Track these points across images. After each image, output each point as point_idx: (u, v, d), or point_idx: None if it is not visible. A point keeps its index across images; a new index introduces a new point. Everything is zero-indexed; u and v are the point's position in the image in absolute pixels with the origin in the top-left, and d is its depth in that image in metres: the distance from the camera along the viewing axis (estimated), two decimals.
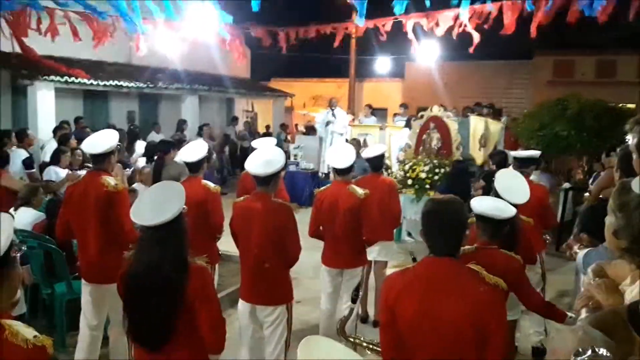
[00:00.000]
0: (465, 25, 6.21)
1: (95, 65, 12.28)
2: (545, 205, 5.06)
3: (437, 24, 5.90)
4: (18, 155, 7.39)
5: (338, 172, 4.72)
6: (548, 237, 5.13)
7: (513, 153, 5.37)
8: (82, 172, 5.89)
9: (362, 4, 5.13)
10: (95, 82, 11.93)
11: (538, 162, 5.47)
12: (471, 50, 6.70)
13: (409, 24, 5.85)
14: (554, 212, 6.44)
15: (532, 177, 5.35)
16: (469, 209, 3.26)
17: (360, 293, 4.85)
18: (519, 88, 21.09)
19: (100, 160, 4.23)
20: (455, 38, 6.71)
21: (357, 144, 8.72)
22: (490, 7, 6.03)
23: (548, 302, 3.39)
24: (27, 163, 7.46)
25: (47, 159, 8.56)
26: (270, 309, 3.84)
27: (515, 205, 3.35)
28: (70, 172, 6.78)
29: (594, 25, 5.54)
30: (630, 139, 2.21)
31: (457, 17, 6.08)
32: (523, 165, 5.21)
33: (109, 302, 4.03)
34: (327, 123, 12.71)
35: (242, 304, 3.94)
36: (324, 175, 11.99)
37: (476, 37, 6.36)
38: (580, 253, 2.58)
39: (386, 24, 6.14)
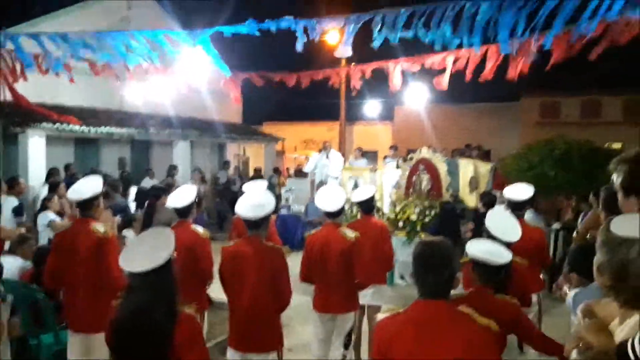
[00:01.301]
0: (451, 69, 6.33)
1: (87, 111, 12.39)
2: (543, 247, 5.11)
3: (422, 67, 6.01)
4: (9, 203, 7.34)
5: (328, 215, 4.72)
6: (545, 278, 5.11)
7: (507, 195, 5.29)
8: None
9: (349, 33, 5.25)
10: (86, 129, 12.00)
11: (531, 202, 5.47)
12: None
13: (396, 69, 5.95)
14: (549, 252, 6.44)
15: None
16: (461, 250, 3.26)
17: (353, 338, 4.78)
18: (507, 129, 21.45)
19: (86, 207, 4.22)
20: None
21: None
22: (476, 51, 6.18)
23: (551, 339, 3.30)
24: (17, 211, 7.41)
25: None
26: (261, 357, 3.77)
27: (509, 244, 3.36)
28: (61, 219, 6.79)
29: (578, 67, 5.65)
30: (614, 178, 2.25)
31: (444, 60, 6.20)
32: (517, 207, 5.13)
33: (97, 352, 3.94)
34: (315, 167, 12.77)
35: (231, 353, 3.87)
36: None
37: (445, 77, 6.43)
38: (570, 293, 2.58)
39: (370, 69, 6.24)
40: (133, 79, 6.58)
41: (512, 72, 5.56)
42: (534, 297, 5.02)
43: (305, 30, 5.16)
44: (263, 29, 5.25)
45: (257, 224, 3.79)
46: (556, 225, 8.68)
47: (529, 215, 6.12)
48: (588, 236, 5.24)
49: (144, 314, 2.50)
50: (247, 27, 5.28)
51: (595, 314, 1.84)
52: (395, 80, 6.25)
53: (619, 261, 1.66)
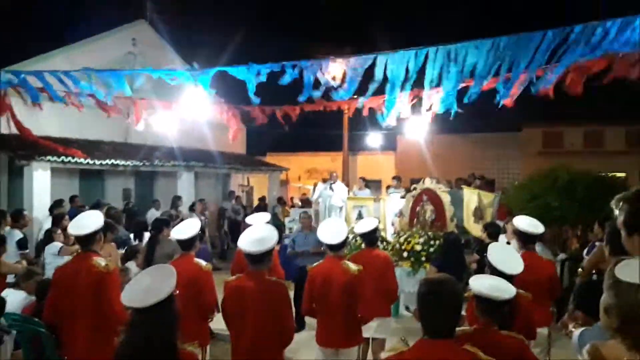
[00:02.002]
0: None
1: (92, 144, 12.50)
2: (555, 280, 5.10)
3: (419, 102, 6.11)
4: (13, 235, 7.36)
5: (330, 247, 4.70)
6: (554, 310, 5.04)
7: (519, 227, 5.18)
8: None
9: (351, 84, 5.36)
10: (91, 162, 12.09)
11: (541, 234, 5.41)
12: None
13: (400, 102, 6.04)
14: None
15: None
16: (466, 283, 3.23)
17: None
18: (510, 159, 21.49)
19: (87, 242, 4.22)
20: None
21: (308, 219, 8.81)
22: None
23: None
24: (21, 244, 7.42)
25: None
26: None
27: (511, 277, 3.34)
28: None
29: (580, 97, 5.70)
30: (617, 216, 2.24)
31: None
32: (529, 240, 5.07)
33: None
34: (320, 196, 12.77)
35: None
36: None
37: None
38: (576, 332, 2.53)
39: (369, 106, 6.33)
40: (139, 116, 6.68)
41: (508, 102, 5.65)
42: (544, 331, 4.95)
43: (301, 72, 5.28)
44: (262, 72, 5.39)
45: (259, 259, 3.77)
46: (562, 256, 8.61)
47: (538, 247, 6.07)
48: (594, 271, 5.18)
49: (144, 351, 2.48)
50: (246, 71, 5.43)
51: (602, 355, 1.81)
52: (394, 115, 6.34)
53: (628, 305, 1.64)
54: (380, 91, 5.90)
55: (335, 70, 5.71)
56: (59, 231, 7.28)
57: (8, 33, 12.68)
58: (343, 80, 5.81)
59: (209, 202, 14.88)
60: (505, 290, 3.02)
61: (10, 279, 6.30)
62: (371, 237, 5.51)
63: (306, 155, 24.26)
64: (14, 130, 8.22)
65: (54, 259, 6.99)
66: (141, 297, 2.53)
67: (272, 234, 3.90)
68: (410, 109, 5.95)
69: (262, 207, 16.10)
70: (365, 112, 6.33)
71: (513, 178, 17.49)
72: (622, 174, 14.64)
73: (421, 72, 5.23)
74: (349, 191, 13.70)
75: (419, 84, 5.36)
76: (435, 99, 6.19)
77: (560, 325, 2.77)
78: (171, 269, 2.79)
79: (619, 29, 4.33)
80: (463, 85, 5.78)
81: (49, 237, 7.27)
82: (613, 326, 1.70)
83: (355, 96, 7.87)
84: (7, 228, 7.69)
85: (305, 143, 23.17)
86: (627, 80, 4.89)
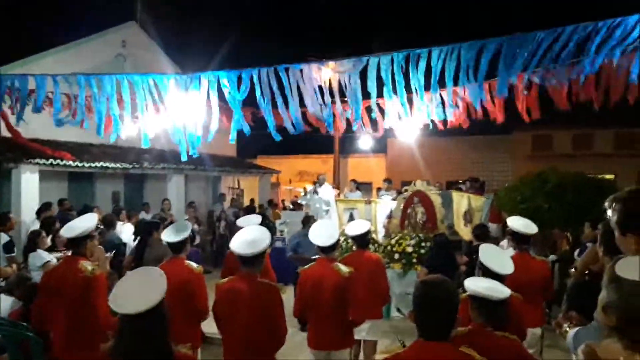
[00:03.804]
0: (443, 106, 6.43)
1: (81, 147, 12.39)
2: (548, 280, 5.16)
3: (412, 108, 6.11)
4: None
5: (322, 250, 4.67)
6: (547, 311, 5.06)
7: (514, 227, 5.21)
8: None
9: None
10: (80, 164, 11.98)
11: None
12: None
13: (389, 107, 6.02)
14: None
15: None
16: (457, 284, 3.23)
17: None
18: (500, 162, 21.61)
19: (77, 244, 4.18)
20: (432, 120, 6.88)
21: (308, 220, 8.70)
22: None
23: None
24: (8, 247, 7.32)
25: None
26: None
27: (503, 277, 3.35)
28: (55, 256, 6.63)
29: (569, 102, 5.77)
30: (610, 216, 2.25)
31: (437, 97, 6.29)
32: (523, 241, 5.08)
33: None
34: (309, 199, 12.68)
35: None
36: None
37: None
38: (570, 332, 2.53)
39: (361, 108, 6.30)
40: (129, 121, 6.62)
41: (499, 116, 5.71)
42: (537, 332, 4.96)
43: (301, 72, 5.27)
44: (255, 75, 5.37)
45: (251, 261, 3.74)
46: (552, 257, 8.65)
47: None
48: (586, 272, 5.21)
49: (140, 356, 2.43)
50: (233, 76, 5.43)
51: (598, 355, 1.80)
52: (386, 120, 6.35)
53: (628, 303, 1.64)
54: (368, 97, 5.89)
55: (325, 76, 5.68)
56: (45, 236, 7.06)
57: None
58: (332, 87, 5.78)
59: (198, 205, 14.81)
60: (501, 290, 3.03)
61: None
62: (363, 240, 5.50)
63: (297, 157, 24.24)
64: (3, 133, 8.13)
65: (37, 270, 6.69)
66: (132, 303, 2.47)
67: (264, 236, 3.88)
68: (408, 112, 5.93)
69: (252, 209, 16.04)
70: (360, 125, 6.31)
71: (503, 181, 17.56)
72: (611, 176, 14.76)
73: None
74: (339, 194, 13.68)
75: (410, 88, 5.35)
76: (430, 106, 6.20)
77: (554, 325, 2.77)
78: (159, 271, 2.74)
79: (609, 28, 4.35)
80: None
81: (33, 242, 6.86)
82: (611, 324, 1.69)
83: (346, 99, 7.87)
84: None
85: (296, 146, 23.11)
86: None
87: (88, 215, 4.71)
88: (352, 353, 4.92)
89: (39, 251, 6.64)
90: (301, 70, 5.40)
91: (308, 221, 8.55)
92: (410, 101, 5.87)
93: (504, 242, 6.97)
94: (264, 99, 5.55)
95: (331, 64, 5.68)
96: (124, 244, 8.53)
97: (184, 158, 6.32)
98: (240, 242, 3.80)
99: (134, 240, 8.49)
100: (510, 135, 21.54)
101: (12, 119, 7.40)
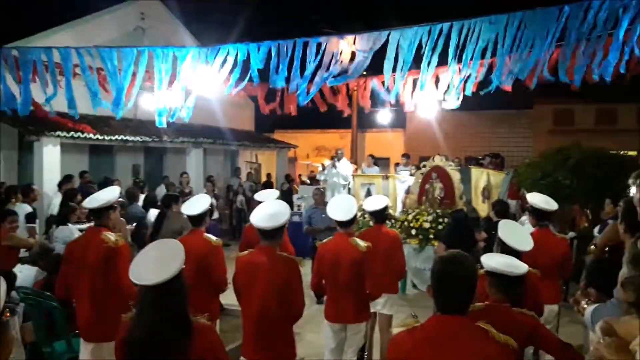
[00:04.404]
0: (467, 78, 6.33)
1: (101, 120, 12.50)
2: (568, 258, 5.12)
3: (437, 81, 6.02)
4: (22, 210, 7.41)
5: (340, 224, 4.69)
6: (564, 288, 5.05)
7: (534, 203, 5.10)
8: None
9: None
10: (101, 137, 12.11)
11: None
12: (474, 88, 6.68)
13: (409, 80, 5.96)
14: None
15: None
16: (476, 260, 3.23)
17: (366, 354, 4.74)
18: (520, 137, 21.28)
19: (99, 216, 4.25)
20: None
21: (321, 195, 9.03)
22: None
23: (573, 351, 3.17)
24: (30, 217, 7.47)
25: (55, 212, 8.57)
26: None
27: (520, 253, 3.34)
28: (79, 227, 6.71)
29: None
30: (633, 192, 2.21)
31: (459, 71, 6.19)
32: (543, 217, 5.03)
33: None
34: (327, 174, 12.69)
35: None
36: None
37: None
38: (589, 309, 2.52)
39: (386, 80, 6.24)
40: (148, 90, 6.68)
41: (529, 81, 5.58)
42: (555, 308, 4.95)
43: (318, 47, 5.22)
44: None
45: (271, 234, 3.77)
46: (571, 234, 8.57)
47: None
48: (606, 249, 5.15)
49: (156, 332, 2.48)
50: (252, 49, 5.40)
51: (616, 332, 1.80)
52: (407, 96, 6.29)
53: None
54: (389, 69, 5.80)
55: (344, 48, 5.62)
56: (77, 210, 7.10)
57: (10, 9, 12.57)
58: (352, 60, 5.73)
59: (217, 178, 14.91)
60: (518, 266, 3.02)
61: (22, 253, 6.36)
62: (381, 215, 5.50)
63: (315, 132, 24.13)
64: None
65: (63, 243, 6.77)
66: (151, 274, 2.52)
67: (284, 210, 3.90)
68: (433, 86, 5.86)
69: (269, 184, 16.11)
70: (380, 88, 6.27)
71: (524, 156, 17.32)
72: (634, 153, 14.47)
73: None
74: (356, 169, 13.64)
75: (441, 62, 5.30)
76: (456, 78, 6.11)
77: (571, 302, 2.75)
78: (177, 243, 2.78)
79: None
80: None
81: (64, 215, 7.01)
82: (630, 300, 1.68)
83: (365, 72, 7.81)
84: (18, 203, 7.77)
85: (314, 120, 23.00)
86: None
87: (111, 187, 4.79)
88: (368, 325, 4.96)
89: (70, 225, 6.75)
90: (319, 44, 5.35)
91: (318, 194, 8.97)
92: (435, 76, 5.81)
93: (524, 218, 6.92)
94: (277, 73, 5.52)
95: (349, 38, 5.62)
96: (146, 217, 8.63)
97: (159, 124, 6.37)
98: (261, 216, 3.82)
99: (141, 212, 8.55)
100: (531, 109, 21.17)
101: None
